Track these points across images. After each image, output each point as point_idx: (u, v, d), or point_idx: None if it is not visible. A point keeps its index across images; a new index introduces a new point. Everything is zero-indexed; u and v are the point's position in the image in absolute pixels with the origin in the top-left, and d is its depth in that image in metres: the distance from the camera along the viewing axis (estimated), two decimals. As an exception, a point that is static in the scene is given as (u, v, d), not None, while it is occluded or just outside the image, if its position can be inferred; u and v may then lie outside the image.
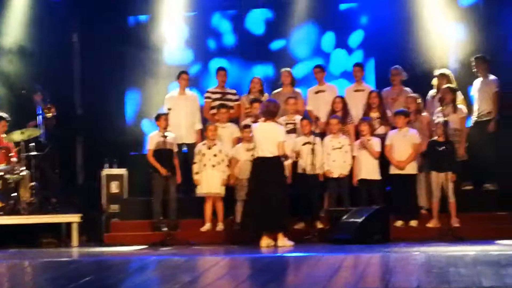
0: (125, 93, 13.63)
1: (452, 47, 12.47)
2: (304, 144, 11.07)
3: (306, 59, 13.37)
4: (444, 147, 10.84)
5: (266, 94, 12.08)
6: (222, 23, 13.76)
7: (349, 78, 12.65)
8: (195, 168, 11.32)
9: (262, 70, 13.44)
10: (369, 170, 11.07)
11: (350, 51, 13.34)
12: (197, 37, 13.48)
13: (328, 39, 13.43)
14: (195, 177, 11.27)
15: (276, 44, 13.59)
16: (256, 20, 13.64)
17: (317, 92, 12.03)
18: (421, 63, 12.36)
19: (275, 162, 10.15)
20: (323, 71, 12.08)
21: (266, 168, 10.12)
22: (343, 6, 13.49)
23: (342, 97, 11.61)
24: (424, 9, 12.55)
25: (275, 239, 10.07)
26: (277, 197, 10.08)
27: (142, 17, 13.69)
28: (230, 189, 11.25)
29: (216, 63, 13.37)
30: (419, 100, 11.46)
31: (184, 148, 12.08)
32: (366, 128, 11.12)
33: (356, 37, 13.38)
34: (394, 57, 12.35)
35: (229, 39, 13.76)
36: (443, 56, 12.34)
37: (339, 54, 13.36)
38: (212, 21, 13.75)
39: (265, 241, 10.06)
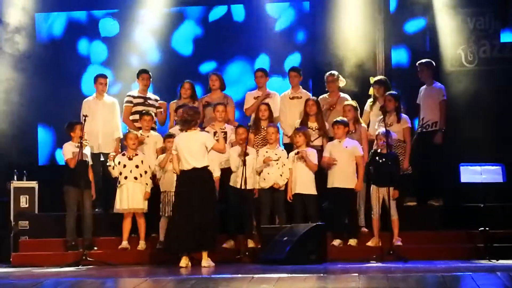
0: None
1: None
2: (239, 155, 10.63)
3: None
4: (385, 159, 10.47)
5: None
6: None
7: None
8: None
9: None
10: (305, 184, 10.66)
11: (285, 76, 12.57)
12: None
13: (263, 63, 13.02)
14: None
15: (206, 67, 13.18)
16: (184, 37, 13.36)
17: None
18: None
19: (204, 174, 9.71)
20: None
21: (193, 181, 9.67)
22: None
23: (267, 104, 11.17)
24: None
25: (195, 258, 9.68)
26: (205, 213, 9.62)
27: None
28: (153, 203, 10.79)
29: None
30: (357, 109, 11.11)
31: (102, 159, 11.62)
32: (301, 139, 10.68)
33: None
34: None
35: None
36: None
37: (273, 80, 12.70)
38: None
39: (184, 261, 9.65)
